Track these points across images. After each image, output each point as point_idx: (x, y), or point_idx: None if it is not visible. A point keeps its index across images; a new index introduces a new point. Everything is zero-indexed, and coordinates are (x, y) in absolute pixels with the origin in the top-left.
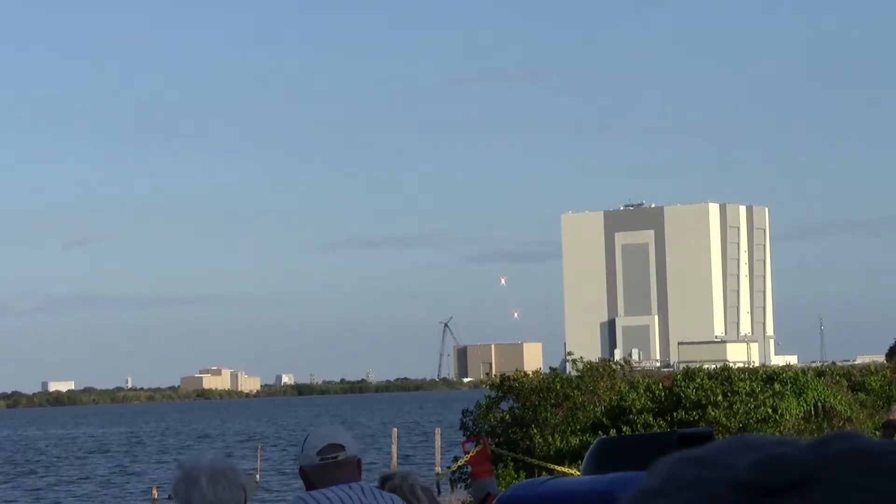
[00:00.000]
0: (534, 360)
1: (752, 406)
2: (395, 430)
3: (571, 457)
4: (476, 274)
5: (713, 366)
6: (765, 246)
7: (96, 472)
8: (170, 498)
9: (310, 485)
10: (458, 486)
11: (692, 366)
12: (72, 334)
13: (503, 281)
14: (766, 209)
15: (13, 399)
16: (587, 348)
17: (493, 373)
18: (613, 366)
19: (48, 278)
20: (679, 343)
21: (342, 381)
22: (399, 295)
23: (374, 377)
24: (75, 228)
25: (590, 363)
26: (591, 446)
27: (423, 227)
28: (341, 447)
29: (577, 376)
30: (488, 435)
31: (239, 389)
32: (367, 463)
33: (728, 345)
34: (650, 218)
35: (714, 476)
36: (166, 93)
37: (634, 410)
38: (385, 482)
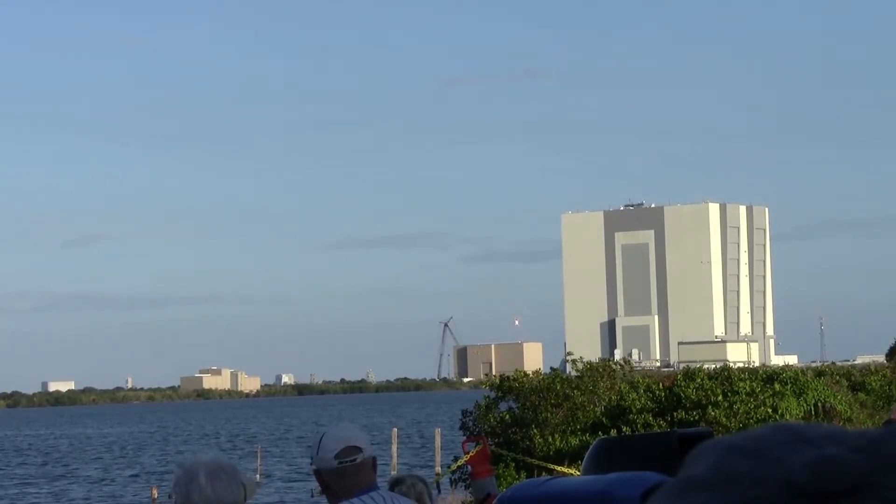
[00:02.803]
0: (534, 360)
1: (753, 406)
2: (395, 430)
3: (571, 457)
4: (476, 274)
5: (713, 366)
6: (765, 246)
7: (105, 473)
8: (170, 497)
9: (326, 487)
10: (458, 486)
11: (692, 366)
12: (72, 334)
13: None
14: (766, 209)
15: (13, 399)
16: (587, 348)
17: (493, 373)
18: (613, 366)
19: (48, 278)
20: (679, 343)
21: (342, 381)
22: (399, 295)
23: (374, 377)
24: (75, 228)
25: (589, 363)
26: (591, 446)
27: (423, 227)
28: (359, 449)
29: (576, 376)
30: (488, 435)
31: (239, 389)
32: None
33: (728, 345)
34: (650, 218)
35: (765, 472)
36: (166, 93)
37: (634, 410)
38: (393, 487)
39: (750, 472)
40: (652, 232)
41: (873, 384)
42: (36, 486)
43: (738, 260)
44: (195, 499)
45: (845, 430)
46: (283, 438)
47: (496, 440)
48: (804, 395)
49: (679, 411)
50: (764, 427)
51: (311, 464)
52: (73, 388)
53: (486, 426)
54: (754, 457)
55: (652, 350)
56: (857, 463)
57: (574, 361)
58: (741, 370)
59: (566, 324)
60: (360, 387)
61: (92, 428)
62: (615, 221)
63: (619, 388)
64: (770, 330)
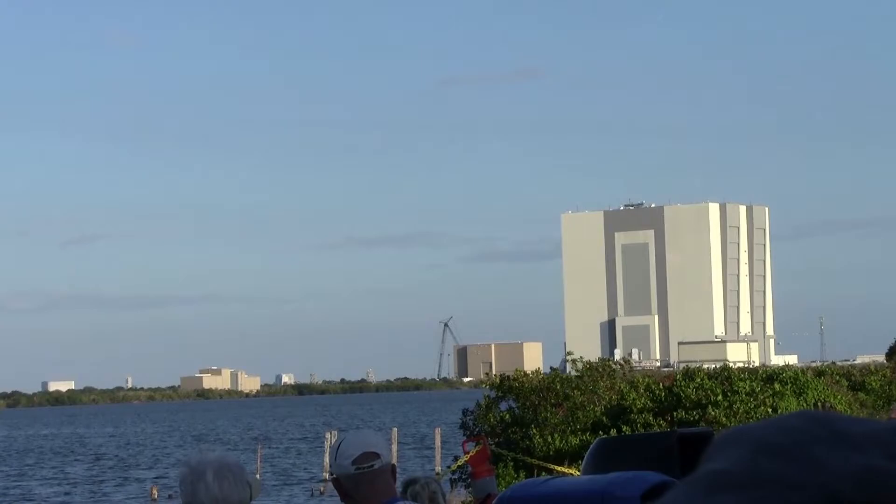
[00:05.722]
0: (534, 360)
1: (752, 406)
2: (395, 429)
3: (571, 457)
4: (476, 274)
5: (713, 366)
6: (765, 246)
7: (104, 472)
8: (170, 497)
9: (344, 495)
10: (458, 486)
11: (692, 366)
12: (72, 334)
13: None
14: (766, 209)
15: (13, 399)
16: (587, 348)
17: (493, 373)
18: (613, 366)
19: (47, 278)
20: (679, 343)
21: (342, 381)
22: (399, 295)
23: (374, 377)
24: (75, 228)
25: (589, 363)
26: (591, 446)
27: (422, 227)
28: (377, 455)
29: (576, 376)
30: (488, 435)
31: (239, 389)
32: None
33: (728, 345)
34: (650, 218)
35: (803, 477)
36: (166, 93)
37: (634, 410)
38: (407, 487)
39: (786, 475)
40: (652, 232)
41: (873, 384)
42: (33, 485)
43: (738, 260)
44: (201, 497)
45: (880, 427)
46: (282, 439)
47: (496, 440)
48: (804, 395)
49: (679, 411)
50: (794, 416)
51: (330, 472)
52: (73, 388)
53: (486, 426)
54: (789, 457)
55: (652, 350)
56: None
57: (574, 361)
58: (741, 370)
59: (566, 324)
60: (360, 387)
61: (93, 427)
62: (615, 221)
63: (619, 387)
64: (770, 330)
